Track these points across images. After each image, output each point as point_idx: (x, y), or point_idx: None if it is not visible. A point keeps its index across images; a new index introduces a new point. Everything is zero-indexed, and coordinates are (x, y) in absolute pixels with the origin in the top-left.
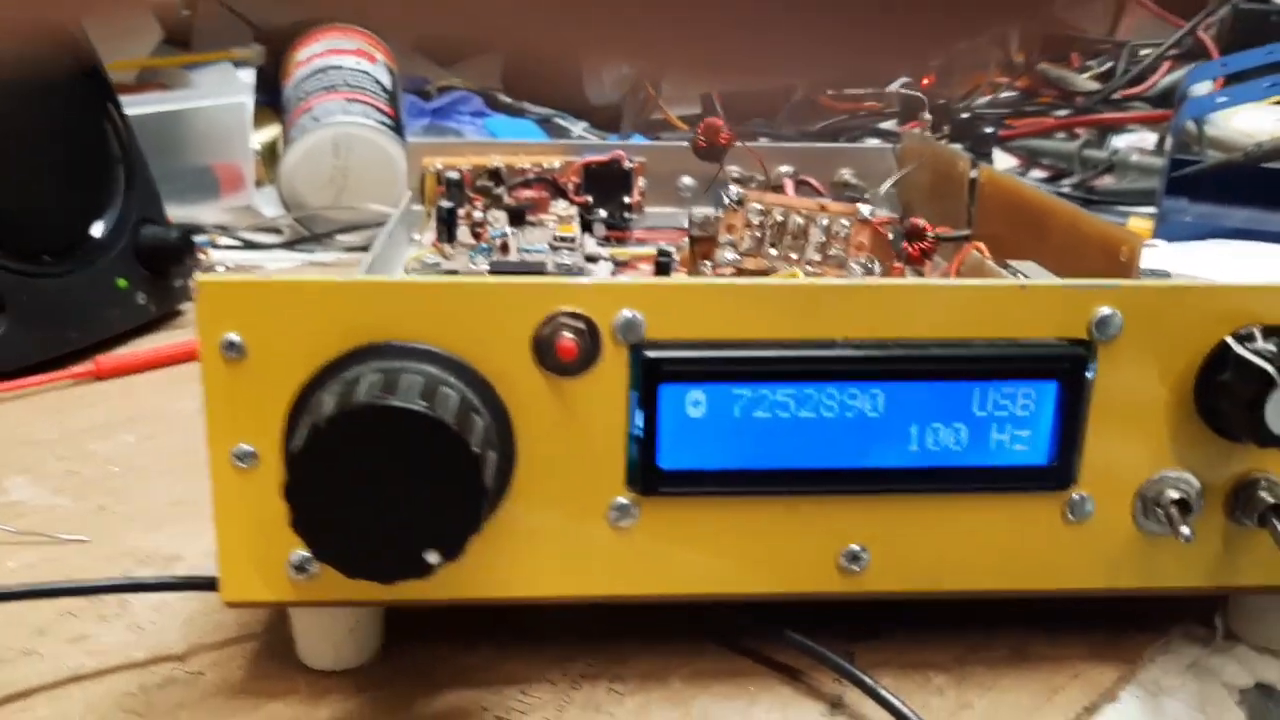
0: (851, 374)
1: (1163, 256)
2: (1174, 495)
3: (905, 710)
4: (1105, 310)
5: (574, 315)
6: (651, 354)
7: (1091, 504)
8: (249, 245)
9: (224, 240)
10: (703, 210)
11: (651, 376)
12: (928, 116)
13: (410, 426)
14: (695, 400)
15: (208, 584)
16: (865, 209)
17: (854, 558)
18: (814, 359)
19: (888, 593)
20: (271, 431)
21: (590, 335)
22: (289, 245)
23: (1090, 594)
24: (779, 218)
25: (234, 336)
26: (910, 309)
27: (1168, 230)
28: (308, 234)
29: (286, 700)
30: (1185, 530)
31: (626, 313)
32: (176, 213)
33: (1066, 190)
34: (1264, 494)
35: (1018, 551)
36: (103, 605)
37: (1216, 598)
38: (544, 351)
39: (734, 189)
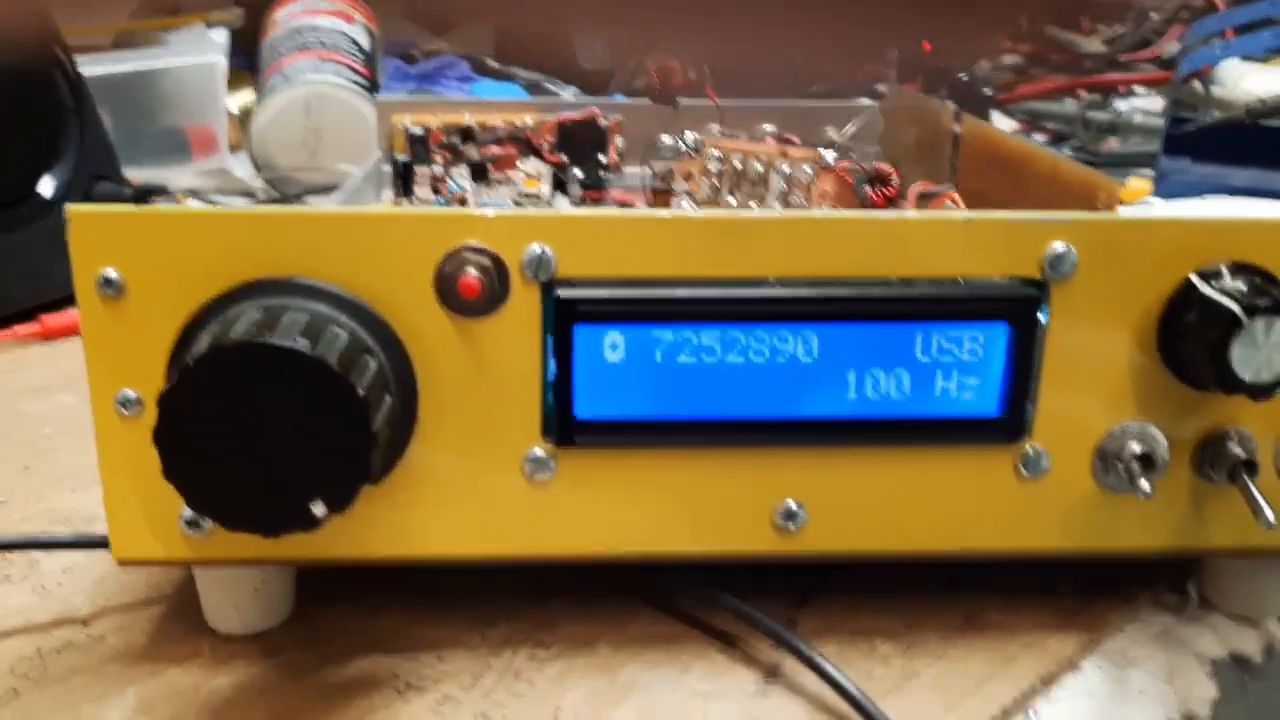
0: (783, 315)
1: (1156, 212)
2: (1136, 449)
3: (843, 680)
4: (1059, 246)
5: (478, 250)
6: (565, 293)
7: (1047, 458)
8: None
9: (192, 202)
10: (664, 163)
11: (565, 317)
12: (893, 53)
13: (290, 367)
14: (613, 343)
15: (102, 542)
16: (828, 154)
17: (790, 515)
18: (742, 299)
19: (827, 553)
20: (155, 375)
21: (497, 272)
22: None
23: (1047, 555)
24: (738, 165)
25: (111, 272)
26: (847, 245)
27: (1167, 189)
28: (280, 197)
29: (187, 666)
30: (1145, 486)
31: (536, 247)
32: (148, 175)
33: (1067, 153)
34: (1234, 448)
35: (967, 509)
36: (9, 566)
37: (1188, 562)
38: (447, 289)
39: (690, 134)
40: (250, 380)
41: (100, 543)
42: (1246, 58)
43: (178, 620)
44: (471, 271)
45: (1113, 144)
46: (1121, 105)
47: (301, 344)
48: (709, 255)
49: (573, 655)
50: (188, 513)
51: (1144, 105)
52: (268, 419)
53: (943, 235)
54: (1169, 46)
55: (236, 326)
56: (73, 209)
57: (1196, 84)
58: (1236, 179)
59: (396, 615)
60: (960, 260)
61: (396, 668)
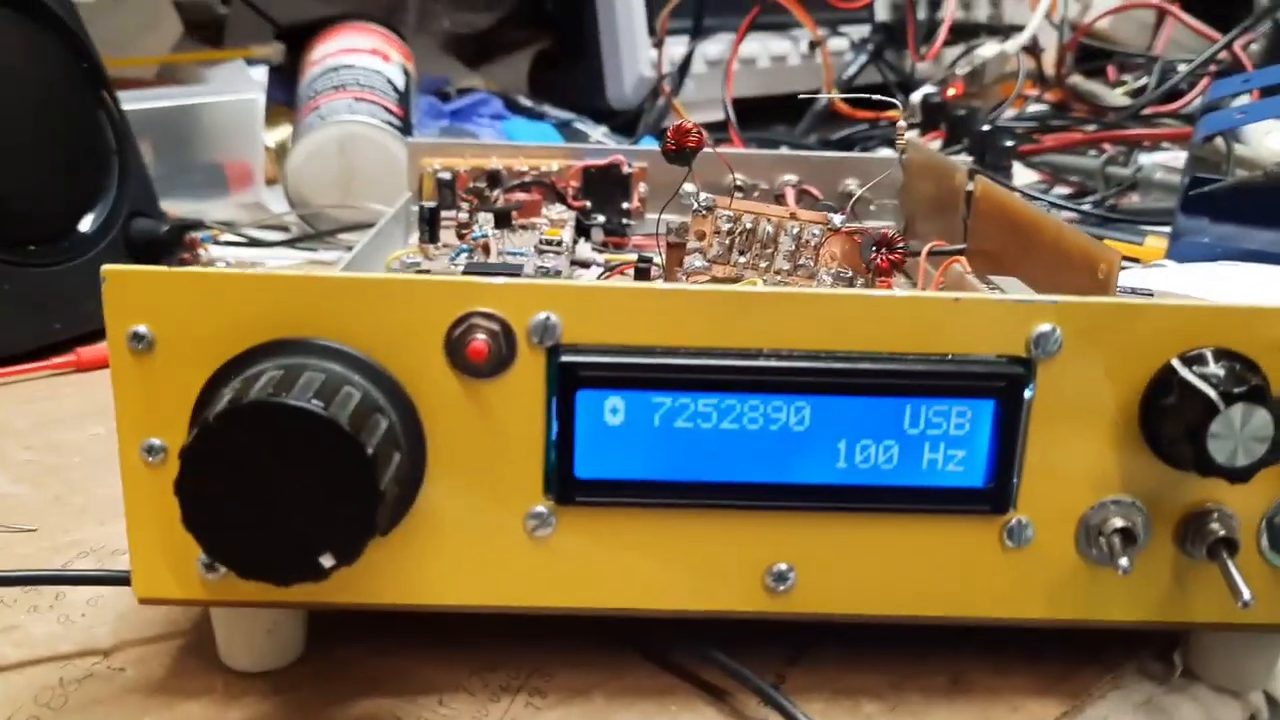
0: (776, 386)
1: (1166, 277)
2: (1118, 524)
3: None
4: (1044, 327)
5: (488, 316)
6: (568, 358)
7: (1031, 530)
8: (252, 242)
9: (227, 236)
10: (681, 218)
11: (568, 381)
12: (902, 124)
13: (302, 426)
14: (614, 407)
15: (123, 580)
16: (836, 218)
17: (780, 577)
18: (737, 369)
19: (815, 614)
20: (179, 426)
21: (504, 337)
22: (291, 243)
23: (1029, 624)
24: (748, 225)
25: (141, 328)
26: (840, 320)
27: (1182, 250)
28: (312, 232)
29: (201, 700)
30: (1124, 562)
31: (542, 315)
32: (185, 208)
33: (1086, 208)
34: (1215, 525)
35: (952, 577)
36: (37, 596)
37: (1174, 633)
38: (456, 352)
39: (704, 195)
40: (266, 437)
41: (123, 580)
42: None
43: (194, 656)
44: (480, 336)
45: (1133, 199)
46: (1145, 159)
47: (315, 404)
48: (707, 327)
49: (569, 704)
50: (205, 555)
51: (1167, 159)
52: (282, 474)
53: (932, 314)
54: (1195, 101)
55: (255, 385)
56: (108, 269)
57: (1220, 142)
58: (1254, 241)
59: (401, 658)
60: (949, 338)
61: (399, 709)
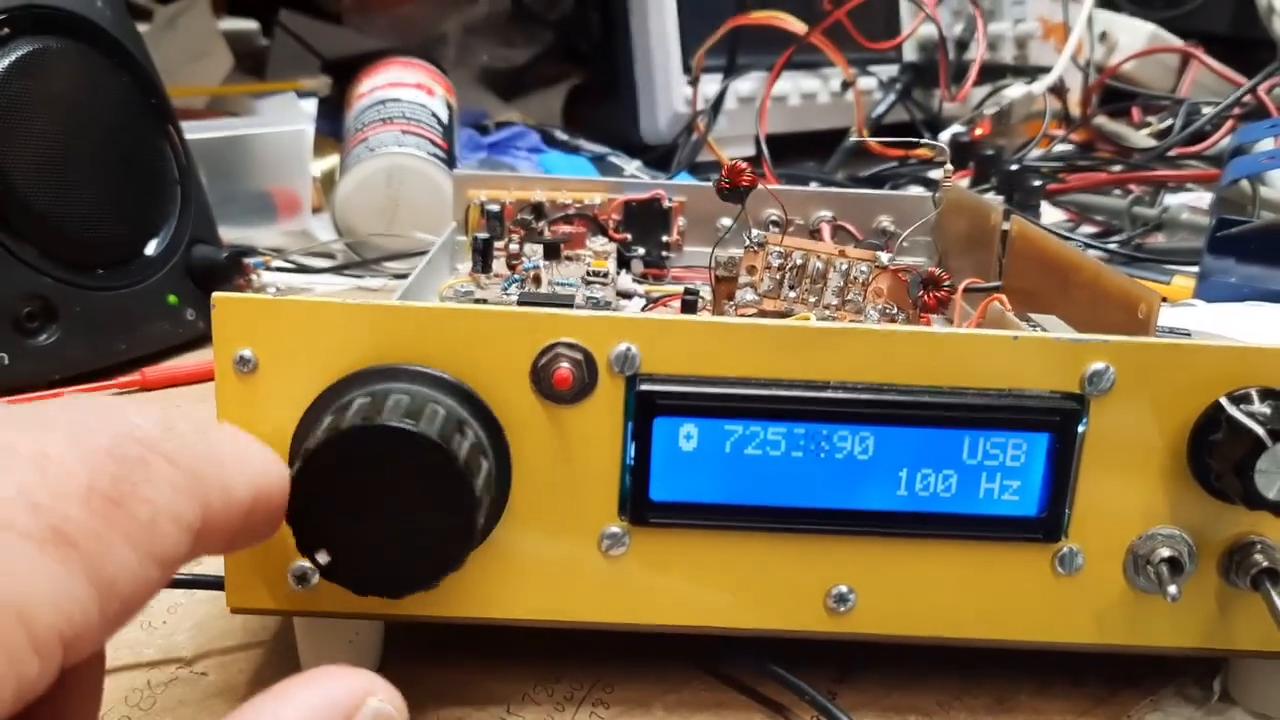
0: (842, 416)
1: (1197, 316)
2: (1165, 553)
3: None
4: (1098, 365)
5: (571, 345)
6: (647, 387)
7: (1081, 557)
8: (301, 269)
9: (277, 263)
10: (729, 252)
11: (646, 409)
12: (949, 167)
13: (395, 442)
14: (688, 434)
15: (216, 584)
16: (884, 255)
17: (841, 599)
18: (805, 399)
19: (873, 635)
20: (280, 445)
21: (587, 366)
22: (339, 270)
23: (1078, 648)
24: (798, 261)
25: (246, 352)
26: (903, 355)
27: (1209, 290)
28: (358, 260)
29: None
30: (1173, 590)
31: (623, 345)
32: (234, 234)
33: (1113, 247)
34: (1259, 556)
35: (1006, 601)
36: None
37: (1216, 659)
38: (541, 380)
39: (755, 231)
40: (364, 458)
41: (214, 584)
42: None
43: (275, 663)
44: (565, 365)
45: (1159, 239)
46: (1170, 199)
47: (406, 423)
48: (778, 359)
49: (630, 715)
50: (296, 568)
51: (1193, 200)
52: (386, 492)
53: (992, 350)
54: (1221, 143)
55: (348, 413)
56: (218, 296)
57: (1245, 184)
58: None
59: (467, 670)
60: (1007, 373)
61: (470, 717)
